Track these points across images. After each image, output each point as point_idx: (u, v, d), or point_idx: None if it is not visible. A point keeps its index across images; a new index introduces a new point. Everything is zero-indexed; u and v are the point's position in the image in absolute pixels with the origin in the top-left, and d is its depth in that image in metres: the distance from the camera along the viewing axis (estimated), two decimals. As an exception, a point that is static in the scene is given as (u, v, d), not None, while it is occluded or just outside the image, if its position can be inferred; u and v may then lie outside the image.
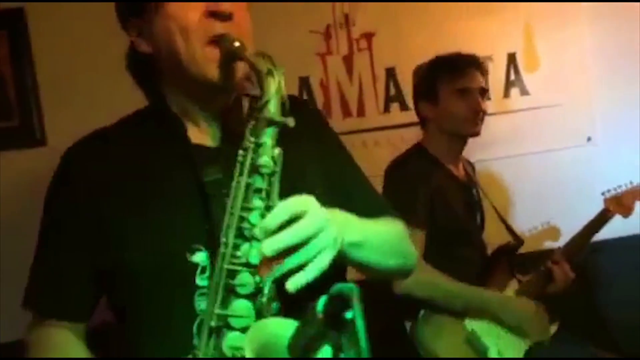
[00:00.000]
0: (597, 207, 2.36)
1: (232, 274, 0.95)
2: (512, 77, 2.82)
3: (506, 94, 2.80)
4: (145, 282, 1.05)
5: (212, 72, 1.04)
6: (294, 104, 1.07)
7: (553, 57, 2.85)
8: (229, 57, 1.03)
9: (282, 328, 0.86)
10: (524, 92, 2.82)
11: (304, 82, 2.67)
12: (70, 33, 2.50)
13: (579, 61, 2.86)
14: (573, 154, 2.82)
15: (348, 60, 2.71)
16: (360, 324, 0.69)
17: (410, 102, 2.72)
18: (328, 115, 2.66)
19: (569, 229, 2.39)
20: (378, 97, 2.74)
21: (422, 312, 2.07)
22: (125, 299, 1.10)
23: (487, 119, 2.27)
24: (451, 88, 2.18)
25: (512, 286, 2.25)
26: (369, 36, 2.72)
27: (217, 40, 1.03)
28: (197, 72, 1.05)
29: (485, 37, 2.77)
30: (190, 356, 0.98)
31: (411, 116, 2.68)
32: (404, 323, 2.10)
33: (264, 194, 0.97)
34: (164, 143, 1.11)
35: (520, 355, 2.12)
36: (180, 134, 1.11)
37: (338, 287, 0.72)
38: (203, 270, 1.03)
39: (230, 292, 0.95)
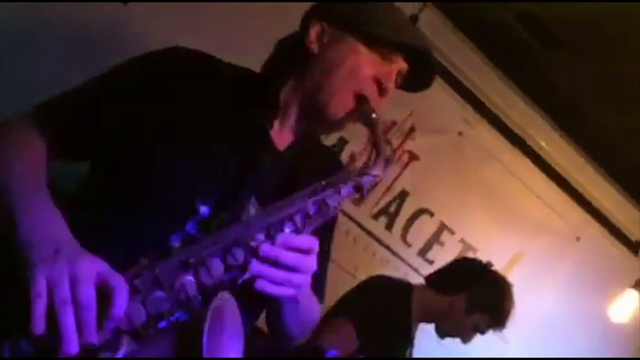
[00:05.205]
0: None
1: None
2: None
3: None
4: (150, 195, 1.05)
5: (338, 114, 1.13)
6: (331, 155, 1.33)
7: None
8: (362, 120, 1.12)
9: None
10: None
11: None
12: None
13: None
14: None
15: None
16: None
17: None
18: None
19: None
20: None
21: None
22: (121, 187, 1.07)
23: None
24: None
25: None
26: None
27: (361, 99, 1.12)
28: (326, 103, 1.13)
29: None
30: None
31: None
32: None
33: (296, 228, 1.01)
34: (248, 111, 1.14)
35: None
36: (264, 126, 1.14)
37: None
38: (198, 220, 1.05)
39: None
